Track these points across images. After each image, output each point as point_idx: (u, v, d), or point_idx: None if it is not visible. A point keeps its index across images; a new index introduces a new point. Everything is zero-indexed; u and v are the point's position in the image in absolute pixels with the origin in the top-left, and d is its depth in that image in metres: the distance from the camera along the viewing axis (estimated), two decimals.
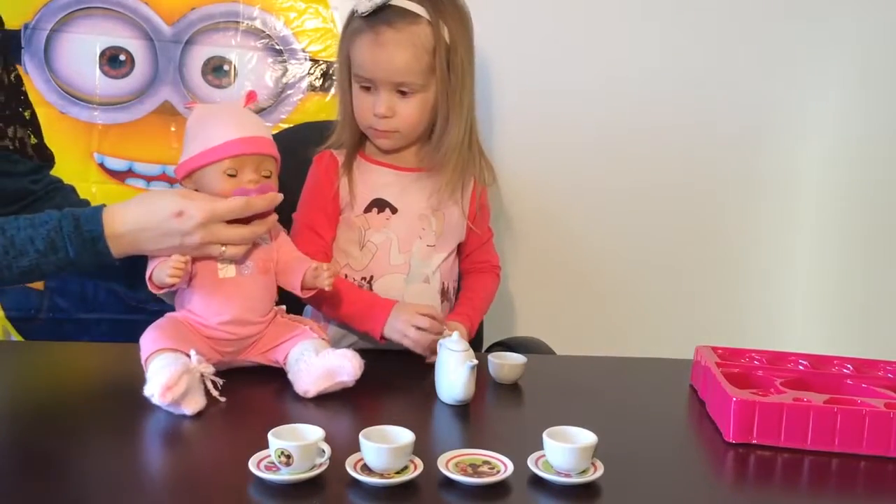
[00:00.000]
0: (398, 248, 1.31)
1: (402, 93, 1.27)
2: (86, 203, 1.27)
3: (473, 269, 1.42)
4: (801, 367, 1.15)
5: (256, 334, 1.09)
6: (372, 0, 1.23)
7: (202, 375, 0.98)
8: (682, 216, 1.79)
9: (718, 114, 1.76)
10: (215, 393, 0.98)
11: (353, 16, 1.28)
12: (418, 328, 1.19)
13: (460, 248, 1.40)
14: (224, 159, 1.05)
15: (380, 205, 1.33)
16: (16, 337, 1.61)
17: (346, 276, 1.32)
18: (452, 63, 1.28)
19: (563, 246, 1.76)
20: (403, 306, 1.23)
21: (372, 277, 1.31)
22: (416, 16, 1.24)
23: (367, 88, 1.28)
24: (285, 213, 1.36)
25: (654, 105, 1.74)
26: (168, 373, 0.93)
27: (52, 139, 1.57)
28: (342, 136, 1.35)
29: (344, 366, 1.03)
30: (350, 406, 1.02)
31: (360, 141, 1.37)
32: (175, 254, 1.01)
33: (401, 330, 1.20)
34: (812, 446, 0.94)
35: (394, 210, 1.33)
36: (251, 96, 1.12)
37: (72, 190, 1.31)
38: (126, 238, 1.00)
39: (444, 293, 1.36)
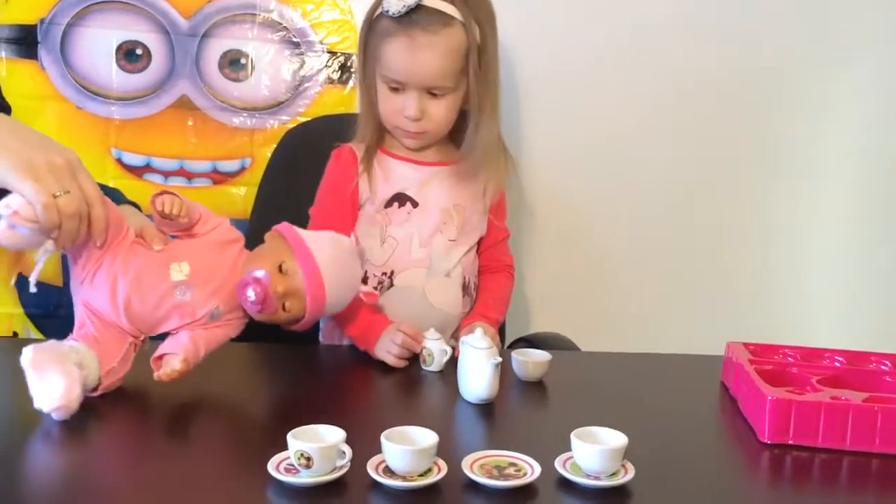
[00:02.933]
0: (419, 242, 1.29)
1: (433, 94, 1.25)
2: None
3: (488, 267, 1.39)
4: (836, 364, 1.11)
5: None
6: (403, 1, 1.19)
7: None
8: (707, 208, 1.74)
9: (744, 104, 1.71)
10: None
11: (379, 14, 1.24)
12: (395, 344, 1.14)
13: (477, 244, 1.37)
14: None
15: (400, 199, 1.31)
16: (35, 333, 1.60)
17: (366, 272, 1.29)
18: (483, 62, 1.26)
19: (584, 239, 1.72)
20: (391, 327, 1.18)
21: (392, 273, 1.29)
22: (449, 18, 1.22)
23: (396, 89, 1.26)
24: (303, 208, 1.35)
25: (678, 96, 1.69)
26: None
27: (68, 134, 1.56)
28: (365, 132, 1.33)
29: None
30: (371, 406, 1.00)
31: (381, 136, 1.34)
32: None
33: (384, 348, 1.16)
34: (851, 446, 0.91)
35: (415, 204, 1.30)
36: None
37: None
38: None
39: (465, 288, 1.33)
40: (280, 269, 1.03)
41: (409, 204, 1.30)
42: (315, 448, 0.75)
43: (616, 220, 1.72)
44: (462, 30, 1.23)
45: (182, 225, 1.02)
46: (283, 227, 1.09)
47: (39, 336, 1.60)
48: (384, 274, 1.28)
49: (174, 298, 0.98)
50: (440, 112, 1.26)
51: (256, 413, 0.97)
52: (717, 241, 1.75)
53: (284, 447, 0.77)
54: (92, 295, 0.98)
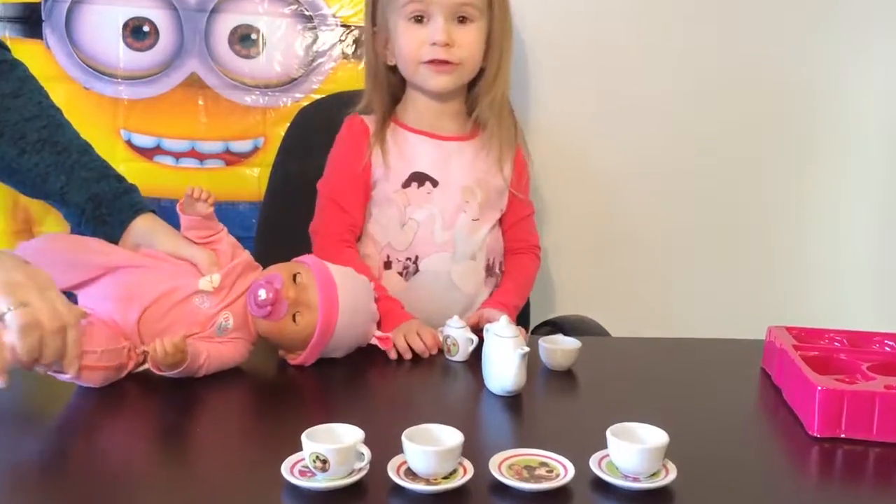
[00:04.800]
0: (442, 224, 1.23)
1: (460, 21, 1.18)
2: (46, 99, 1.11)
3: (511, 248, 1.32)
4: (887, 349, 1.04)
5: None
6: None
7: None
8: (743, 185, 1.66)
9: (783, 82, 1.63)
10: None
11: None
12: (408, 342, 1.08)
13: (500, 222, 1.31)
14: None
15: (419, 178, 1.24)
16: None
17: (388, 256, 1.24)
18: (504, 4, 1.20)
19: (611, 216, 1.65)
20: (412, 324, 1.12)
21: (417, 258, 1.23)
22: None
23: (419, 20, 1.19)
24: (313, 185, 1.30)
25: (717, 73, 1.61)
26: None
27: (76, 116, 1.49)
28: (372, 99, 1.27)
29: None
30: (391, 401, 0.95)
31: (391, 107, 1.28)
32: None
33: (401, 331, 1.09)
34: None
35: (435, 183, 1.24)
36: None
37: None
38: None
39: (489, 269, 1.28)
40: (294, 279, 0.99)
41: (428, 183, 1.24)
42: (331, 450, 0.70)
43: (646, 196, 1.65)
44: None
45: (204, 227, 1.00)
46: (305, 256, 1.06)
47: None
48: (408, 259, 1.23)
49: (191, 303, 0.96)
50: (470, 39, 1.19)
51: (269, 410, 0.92)
52: (752, 218, 1.68)
53: (299, 447, 0.72)
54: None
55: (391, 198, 1.24)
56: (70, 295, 0.96)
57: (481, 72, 1.24)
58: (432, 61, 1.20)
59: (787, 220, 1.68)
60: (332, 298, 0.99)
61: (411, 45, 1.20)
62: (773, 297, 1.67)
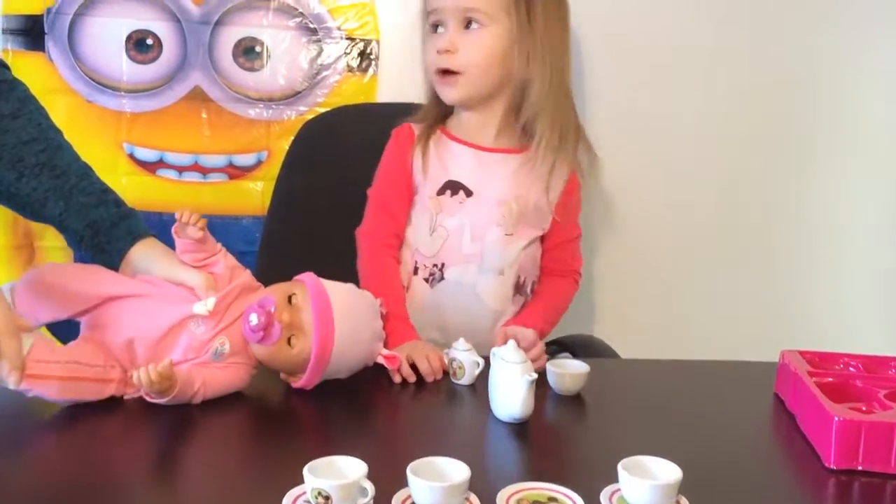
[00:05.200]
0: (471, 235, 1.21)
1: (469, 27, 1.18)
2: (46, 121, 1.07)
3: (550, 269, 1.30)
4: None
5: None
6: None
7: None
8: (753, 207, 1.64)
9: (801, 104, 1.61)
10: None
11: None
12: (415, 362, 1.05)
13: (542, 241, 1.28)
14: None
15: (453, 187, 1.23)
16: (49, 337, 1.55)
17: (416, 261, 1.24)
18: (533, 12, 1.18)
19: (620, 235, 1.63)
20: (416, 345, 1.11)
21: (444, 265, 1.22)
22: None
23: (436, 27, 1.21)
24: (323, 202, 1.32)
25: (727, 98, 1.60)
26: None
27: (78, 129, 1.49)
28: (427, 109, 1.28)
29: None
30: (396, 430, 0.93)
31: (442, 114, 1.28)
32: None
33: (405, 350, 1.08)
34: None
35: (469, 193, 1.22)
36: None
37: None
38: None
39: (518, 287, 1.25)
40: (289, 300, 0.97)
41: (462, 192, 1.23)
42: (334, 486, 0.68)
43: (654, 216, 1.62)
44: None
45: (198, 249, 0.98)
46: (304, 274, 1.02)
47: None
48: (435, 266, 1.22)
49: (186, 328, 0.94)
50: (474, 45, 1.18)
51: (269, 438, 0.89)
52: (762, 241, 1.65)
53: (300, 478, 0.69)
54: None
55: (426, 204, 1.24)
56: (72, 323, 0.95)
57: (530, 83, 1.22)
58: (437, 71, 1.21)
59: (797, 243, 1.66)
60: (328, 321, 0.96)
61: (428, 54, 1.22)
62: (781, 316, 1.64)
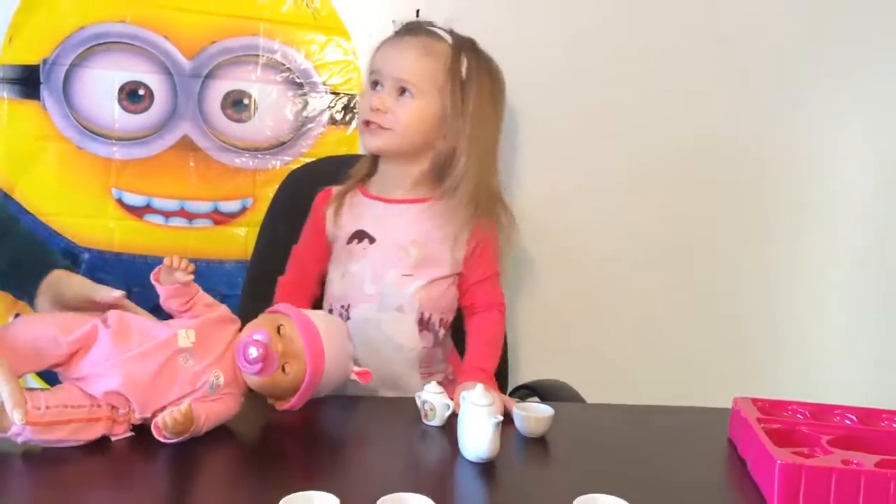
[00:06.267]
0: (371, 277, 1.31)
1: (403, 94, 1.29)
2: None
3: (473, 307, 1.35)
4: (847, 423, 1.08)
5: None
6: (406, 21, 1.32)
7: None
8: (717, 253, 1.72)
9: (746, 149, 1.70)
10: None
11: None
12: None
13: (459, 283, 1.34)
14: None
15: (360, 235, 1.34)
16: (35, 381, 1.57)
17: (330, 305, 1.34)
18: (464, 95, 1.29)
19: (587, 283, 1.70)
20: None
21: (349, 306, 1.31)
22: (438, 36, 1.32)
23: (375, 85, 1.32)
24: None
25: (677, 144, 1.68)
26: None
27: (69, 174, 1.55)
28: (360, 165, 1.39)
29: None
30: (367, 465, 0.97)
31: (366, 177, 1.39)
32: None
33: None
34: None
35: (371, 240, 1.32)
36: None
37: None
38: None
39: (423, 322, 1.31)
40: (278, 331, 1.04)
41: (366, 240, 1.33)
42: None
43: (619, 265, 1.70)
44: (447, 49, 1.31)
45: (184, 293, 1.03)
46: (280, 305, 1.12)
47: (39, 382, 1.57)
48: (342, 307, 1.31)
49: (177, 365, 0.98)
50: (405, 112, 1.29)
51: (245, 473, 0.94)
52: (724, 286, 1.73)
53: None
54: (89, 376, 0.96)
55: (339, 253, 1.35)
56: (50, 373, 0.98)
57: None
58: (364, 122, 1.32)
59: (758, 288, 1.73)
60: (318, 346, 1.05)
61: (362, 107, 1.35)
62: (744, 362, 1.71)
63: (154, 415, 0.96)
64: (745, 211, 1.72)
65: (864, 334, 1.75)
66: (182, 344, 0.99)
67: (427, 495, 0.78)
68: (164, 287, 1.03)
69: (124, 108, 1.56)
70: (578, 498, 0.78)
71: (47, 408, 0.90)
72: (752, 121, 1.69)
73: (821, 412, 1.10)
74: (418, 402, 1.12)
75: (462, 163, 1.29)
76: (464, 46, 1.32)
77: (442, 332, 1.33)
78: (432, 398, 1.10)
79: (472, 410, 0.98)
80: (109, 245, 1.57)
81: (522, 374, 1.58)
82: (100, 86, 1.55)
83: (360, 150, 1.62)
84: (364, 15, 1.59)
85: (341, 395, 1.25)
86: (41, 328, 0.96)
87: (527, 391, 1.41)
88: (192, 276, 1.02)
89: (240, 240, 1.60)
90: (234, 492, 0.90)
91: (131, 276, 1.52)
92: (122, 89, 1.55)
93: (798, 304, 1.74)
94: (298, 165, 1.59)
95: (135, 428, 0.98)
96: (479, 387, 1.01)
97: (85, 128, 1.55)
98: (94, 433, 0.95)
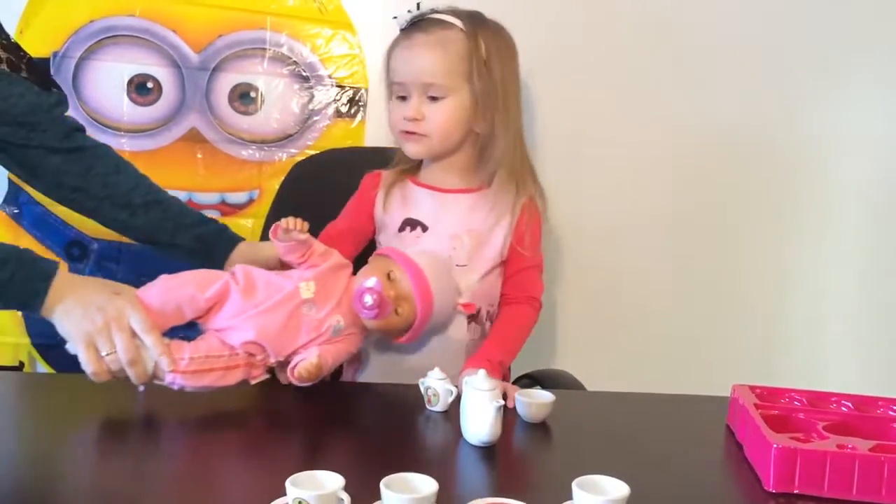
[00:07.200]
0: None
1: (433, 98, 1.28)
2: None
3: (508, 297, 1.36)
4: (843, 410, 1.10)
5: None
6: (411, 14, 1.30)
7: None
8: (719, 246, 1.74)
9: (757, 145, 1.72)
10: None
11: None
12: None
13: (502, 273, 1.36)
14: None
15: (412, 224, 1.34)
16: (42, 364, 1.61)
17: None
18: (491, 75, 1.28)
19: (594, 276, 1.72)
20: None
21: None
22: (448, 24, 1.29)
23: (403, 98, 1.31)
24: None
25: (689, 137, 1.70)
26: None
27: None
28: (398, 156, 1.39)
29: None
30: (372, 448, 0.99)
31: (416, 165, 1.39)
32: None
33: None
34: (858, 496, 0.89)
35: (424, 228, 1.32)
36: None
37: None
38: (67, 292, 1.02)
39: (473, 316, 1.32)
40: (388, 277, 1.14)
41: (419, 228, 1.33)
42: (313, 496, 0.75)
43: (625, 257, 1.72)
44: (462, 35, 1.28)
45: (301, 247, 1.14)
46: (385, 248, 1.26)
47: (46, 367, 1.60)
48: None
49: (301, 314, 1.08)
50: (439, 115, 1.28)
51: (256, 453, 0.96)
52: (729, 275, 1.75)
53: (283, 491, 0.76)
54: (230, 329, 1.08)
55: (390, 241, 1.34)
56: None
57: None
58: (402, 132, 1.32)
59: (761, 282, 1.75)
60: (426, 288, 1.17)
61: (393, 118, 1.33)
62: (747, 354, 1.73)
63: (288, 358, 1.09)
64: (747, 205, 1.73)
65: (867, 329, 1.77)
66: (304, 296, 1.10)
67: (429, 475, 0.80)
68: (282, 244, 1.13)
69: (133, 101, 1.58)
70: (578, 478, 0.80)
71: (191, 358, 1.03)
72: (755, 120, 1.70)
73: (817, 399, 1.12)
74: (422, 388, 1.14)
75: (500, 145, 1.30)
76: (476, 26, 1.30)
77: (488, 325, 1.34)
78: (435, 384, 1.12)
79: (474, 395, 1.00)
80: (118, 235, 1.59)
81: (525, 364, 1.60)
82: (109, 78, 1.57)
83: (365, 143, 1.64)
84: (369, 9, 1.61)
85: (356, 381, 1.28)
86: (180, 288, 1.08)
87: (529, 381, 1.43)
88: (306, 234, 1.13)
89: (246, 231, 1.62)
90: (242, 472, 0.92)
91: (140, 266, 1.54)
92: (130, 82, 1.58)
93: (801, 299, 1.76)
94: (304, 158, 1.61)
95: (270, 370, 1.11)
96: (481, 372, 1.03)
97: (94, 120, 1.58)
98: (235, 378, 1.06)
